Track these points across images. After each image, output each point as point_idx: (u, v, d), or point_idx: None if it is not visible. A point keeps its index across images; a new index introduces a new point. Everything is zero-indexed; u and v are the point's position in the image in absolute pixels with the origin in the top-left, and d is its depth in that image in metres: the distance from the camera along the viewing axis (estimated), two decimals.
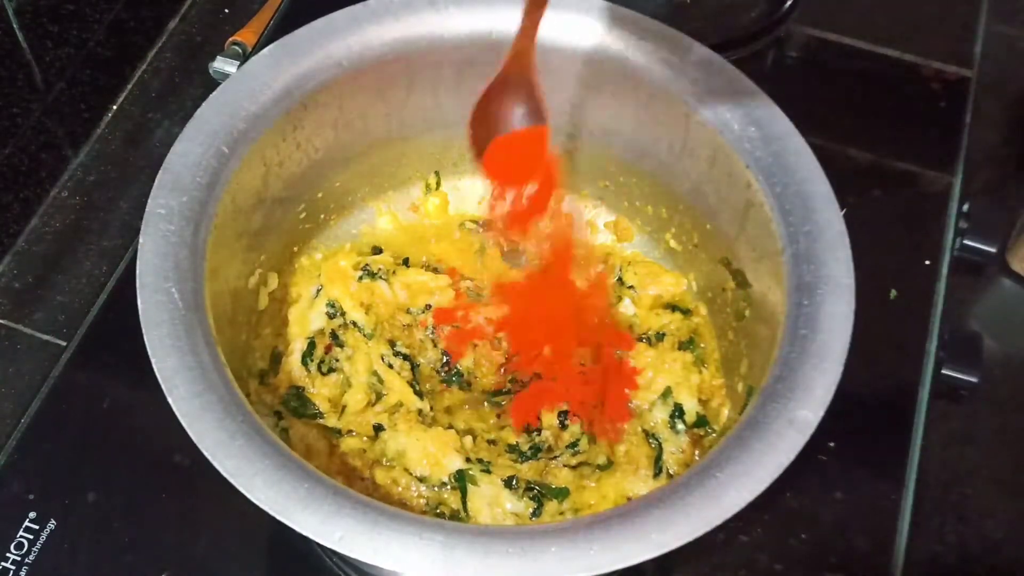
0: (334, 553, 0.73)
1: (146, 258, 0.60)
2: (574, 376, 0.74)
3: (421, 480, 0.70)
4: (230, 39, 0.99)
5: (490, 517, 0.69)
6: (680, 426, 0.72)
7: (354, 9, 0.71)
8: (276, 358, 0.74)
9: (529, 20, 0.62)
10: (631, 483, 0.71)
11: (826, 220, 0.64)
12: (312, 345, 0.74)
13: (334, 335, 0.75)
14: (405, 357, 0.75)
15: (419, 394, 0.73)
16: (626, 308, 0.79)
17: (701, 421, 0.73)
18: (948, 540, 0.78)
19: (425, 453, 0.70)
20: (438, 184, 0.83)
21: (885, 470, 0.78)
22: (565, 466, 0.72)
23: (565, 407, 0.73)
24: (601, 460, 0.72)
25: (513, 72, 0.64)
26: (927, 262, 0.88)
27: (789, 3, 1.03)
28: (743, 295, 0.71)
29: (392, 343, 0.76)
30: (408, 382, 0.74)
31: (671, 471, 0.71)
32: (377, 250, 0.81)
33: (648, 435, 0.72)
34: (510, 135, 0.65)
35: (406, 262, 0.80)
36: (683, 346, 0.75)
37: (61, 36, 0.88)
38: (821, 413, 0.57)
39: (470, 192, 0.84)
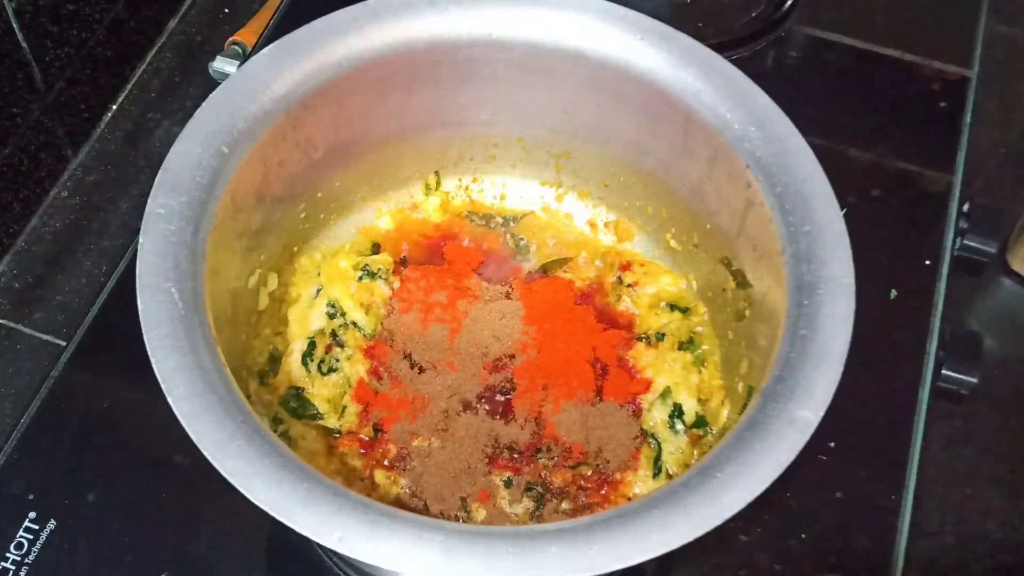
0: (334, 553, 0.73)
1: (146, 258, 0.60)
2: (573, 375, 0.75)
3: None
4: (230, 39, 0.99)
5: (490, 517, 0.69)
6: (679, 426, 0.72)
7: (354, 9, 0.71)
8: (276, 358, 0.74)
9: None
10: (630, 483, 0.71)
11: (826, 220, 0.64)
12: (312, 345, 0.74)
13: (334, 335, 0.75)
14: (405, 357, 0.75)
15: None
16: (626, 308, 0.79)
17: (700, 421, 0.73)
18: (948, 540, 0.78)
19: None
20: (438, 184, 0.83)
21: (885, 470, 0.78)
22: (564, 466, 0.72)
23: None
24: (600, 460, 0.72)
25: None
26: (927, 262, 0.88)
27: (789, 3, 1.03)
28: (743, 295, 0.71)
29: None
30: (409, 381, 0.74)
31: (670, 471, 0.71)
32: (376, 248, 0.81)
33: (647, 435, 0.73)
34: None
35: (404, 261, 0.80)
36: (683, 346, 0.75)
37: (61, 36, 0.88)
38: (821, 413, 0.57)
39: (472, 188, 0.84)
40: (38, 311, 0.87)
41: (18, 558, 0.72)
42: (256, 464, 0.53)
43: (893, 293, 0.86)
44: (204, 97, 0.67)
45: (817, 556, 0.75)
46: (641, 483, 0.71)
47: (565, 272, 0.81)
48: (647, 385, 0.74)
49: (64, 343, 0.84)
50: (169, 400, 0.55)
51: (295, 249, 0.78)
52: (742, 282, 0.71)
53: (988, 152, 0.99)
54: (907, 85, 1.01)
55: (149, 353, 0.56)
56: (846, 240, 0.63)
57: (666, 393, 0.73)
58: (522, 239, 0.83)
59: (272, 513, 0.52)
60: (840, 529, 0.76)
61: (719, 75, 0.70)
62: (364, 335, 0.75)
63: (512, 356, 0.76)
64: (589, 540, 0.52)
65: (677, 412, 0.73)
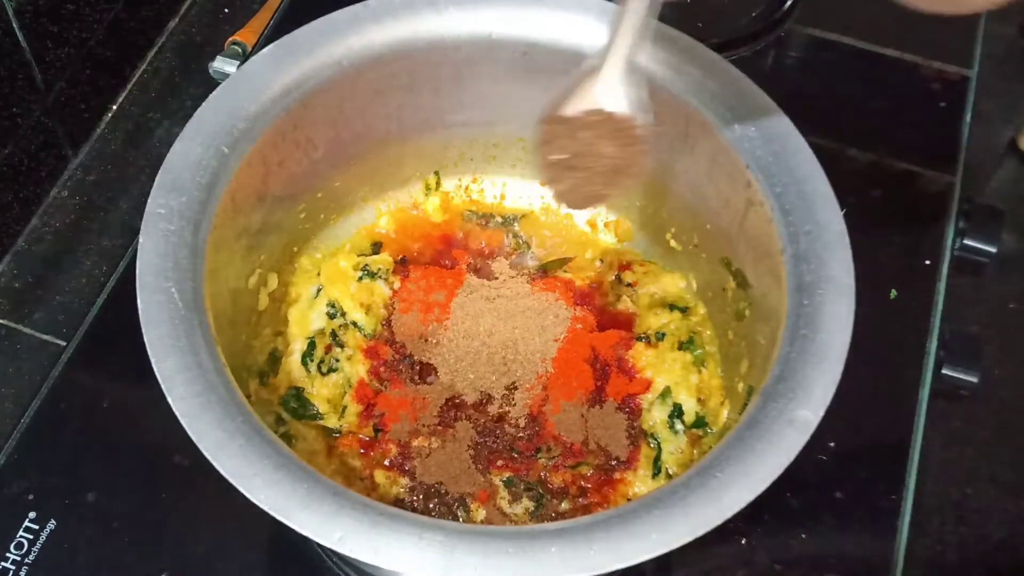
0: (334, 553, 0.73)
1: (146, 258, 0.60)
2: (573, 375, 0.74)
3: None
4: (230, 39, 0.99)
5: (490, 517, 0.69)
6: (679, 426, 0.72)
7: (354, 9, 0.71)
8: (276, 358, 0.74)
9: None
10: (630, 483, 0.71)
11: (826, 220, 0.64)
12: (312, 345, 0.74)
13: (334, 335, 0.75)
14: (405, 357, 0.75)
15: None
16: (626, 308, 0.79)
17: (700, 421, 0.73)
18: (948, 540, 0.78)
19: None
20: (438, 184, 0.83)
21: (885, 470, 0.78)
22: (564, 466, 0.72)
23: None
24: (600, 460, 0.72)
25: None
26: (927, 262, 0.88)
27: (789, 3, 1.03)
28: (743, 295, 0.71)
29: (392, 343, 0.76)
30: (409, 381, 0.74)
31: (670, 471, 0.71)
32: (377, 247, 0.81)
33: (647, 435, 0.72)
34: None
35: (404, 261, 0.80)
36: (683, 346, 0.75)
37: (61, 36, 0.88)
38: (821, 413, 0.57)
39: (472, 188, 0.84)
40: (38, 311, 0.87)
41: (18, 558, 0.72)
42: (256, 464, 0.53)
43: (893, 293, 0.86)
44: (204, 97, 0.67)
45: (817, 556, 0.75)
46: (641, 483, 0.71)
47: (565, 272, 0.81)
48: (647, 385, 0.74)
49: (64, 343, 0.84)
50: (169, 400, 0.55)
51: (295, 249, 0.78)
52: (742, 282, 0.71)
53: (988, 152, 0.99)
54: (907, 85, 1.01)
55: (149, 353, 0.56)
56: (846, 240, 0.63)
57: (666, 393, 0.73)
58: (522, 239, 0.83)
59: (272, 513, 0.52)
60: (840, 529, 0.76)
61: (719, 75, 0.70)
62: (364, 335, 0.75)
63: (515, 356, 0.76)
64: (589, 540, 0.52)
65: (677, 412, 0.73)
